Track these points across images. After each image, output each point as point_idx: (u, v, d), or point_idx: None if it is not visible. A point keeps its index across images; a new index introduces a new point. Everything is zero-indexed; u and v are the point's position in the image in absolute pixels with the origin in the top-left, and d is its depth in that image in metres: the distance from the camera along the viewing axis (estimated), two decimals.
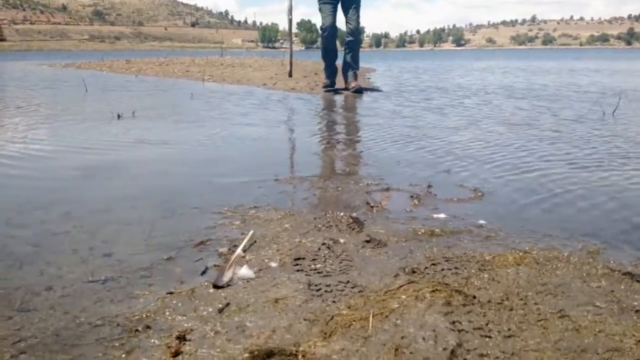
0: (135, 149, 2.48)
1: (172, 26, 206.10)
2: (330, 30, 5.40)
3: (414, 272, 1.04)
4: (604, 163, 2.12)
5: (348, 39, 5.51)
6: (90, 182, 1.85)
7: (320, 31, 5.51)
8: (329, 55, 5.50)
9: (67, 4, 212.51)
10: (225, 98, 4.88)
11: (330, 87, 5.40)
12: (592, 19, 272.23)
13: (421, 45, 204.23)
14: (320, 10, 5.47)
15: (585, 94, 5.21)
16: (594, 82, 6.93)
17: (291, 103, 4.58)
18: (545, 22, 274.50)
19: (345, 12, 5.52)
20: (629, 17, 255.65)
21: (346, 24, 5.55)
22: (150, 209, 1.54)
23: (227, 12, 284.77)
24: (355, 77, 5.56)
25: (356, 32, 5.51)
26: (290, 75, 5.32)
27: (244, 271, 1.04)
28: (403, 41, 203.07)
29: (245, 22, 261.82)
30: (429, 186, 1.74)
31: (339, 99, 4.99)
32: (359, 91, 5.36)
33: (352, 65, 5.55)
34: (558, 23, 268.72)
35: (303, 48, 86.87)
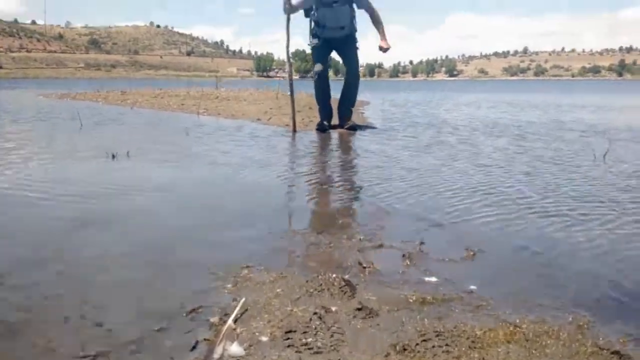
0: (129, 196, 2.48)
1: (167, 55, 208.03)
2: (322, 75, 5.46)
3: (404, 349, 1.04)
4: (599, 218, 2.13)
5: (346, 79, 5.57)
6: (84, 235, 1.85)
7: (312, 75, 5.55)
8: (322, 98, 5.54)
9: (64, 32, 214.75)
10: (220, 135, 4.91)
11: (326, 128, 5.40)
12: (583, 51, 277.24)
13: (414, 75, 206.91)
14: (312, 54, 5.57)
15: (570, 132, 5.30)
16: (579, 119, 7.04)
17: (284, 141, 4.62)
18: (537, 53, 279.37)
19: (342, 55, 5.62)
20: (620, 49, 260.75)
21: (344, 63, 5.64)
22: (142, 267, 1.54)
23: (222, 42, 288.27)
24: (350, 114, 5.64)
25: (355, 74, 5.57)
26: (294, 130, 5.30)
27: (234, 348, 1.04)
28: (396, 71, 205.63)
29: (240, 51, 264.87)
30: (421, 243, 1.75)
31: (332, 137, 5.03)
32: (353, 128, 5.42)
33: (348, 103, 5.62)
34: (550, 54, 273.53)
35: (297, 77, 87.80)
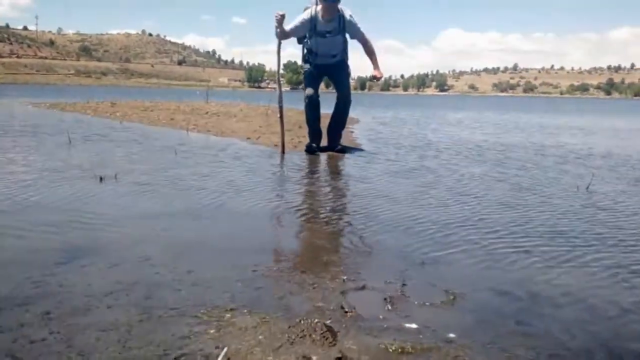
0: (116, 226, 2.49)
1: (158, 64, 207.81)
2: (313, 99, 5.49)
3: None
4: (580, 257, 2.18)
5: (337, 103, 5.62)
6: (70, 271, 1.86)
7: (304, 99, 5.58)
8: (312, 121, 5.58)
9: (55, 39, 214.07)
10: (210, 155, 4.93)
11: (315, 150, 5.43)
12: (572, 69, 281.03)
13: (405, 89, 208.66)
14: (304, 79, 5.63)
15: (552, 157, 5.39)
16: (562, 144, 7.15)
17: (271, 164, 4.65)
18: (526, 70, 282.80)
19: (333, 80, 5.71)
20: (609, 67, 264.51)
21: (335, 88, 5.69)
22: (127, 308, 1.55)
23: (214, 52, 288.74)
24: (339, 137, 5.70)
25: (346, 99, 5.59)
26: (282, 151, 5.33)
27: None
28: (387, 85, 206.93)
29: (232, 61, 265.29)
30: (403, 284, 1.79)
31: (320, 160, 5.07)
32: (342, 151, 5.48)
33: (338, 127, 5.68)
34: (539, 72, 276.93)
35: (288, 89, 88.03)
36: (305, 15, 5.27)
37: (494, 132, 9.22)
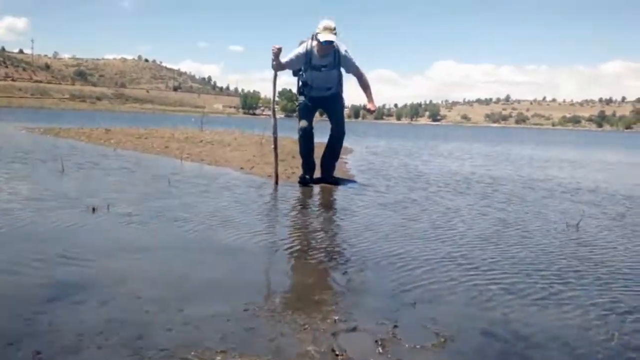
0: (107, 260, 2.49)
1: (154, 89, 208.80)
2: (307, 132, 5.53)
3: None
4: (571, 299, 2.20)
5: (331, 135, 5.66)
6: (60, 307, 1.86)
7: (298, 130, 5.61)
8: (306, 153, 5.61)
9: (51, 63, 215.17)
10: (204, 186, 4.94)
11: (308, 182, 5.48)
12: (564, 101, 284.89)
13: (398, 118, 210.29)
14: (298, 111, 5.70)
15: (541, 191, 5.45)
16: (552, 177, 7.24)
17: (264, 195, 4.67)
18: (519, 101, 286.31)
19: (328, 113, 5.77)
20: (600, 100, 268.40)
21: (330, 120, 5.75)
22: (118, 349, 1.55)
23: (209, 78, 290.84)
24: (333, 169, 5.76)
25: (340, 130, 5.64)
26: (276, 182, 5.37)
27: None
28: (381, 114, 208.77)
29: (228, 88, 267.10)
30: (395, 326, 1.80)
31: (313, 191, 5.10)
32: (336, 182, 5.54)
33: (331, 159, 5.74)
34: (531, 103, 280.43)
35: (283, 116, 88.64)
36: (301, 49, 5.36)
37: (483, 164, 9.32)
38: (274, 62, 5.25)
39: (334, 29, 5.15)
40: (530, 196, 5.24)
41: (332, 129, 5.68)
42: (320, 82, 5.47)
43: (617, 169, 10.07)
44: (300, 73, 5.55)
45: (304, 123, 5.54)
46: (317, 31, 5.19)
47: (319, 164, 5.75)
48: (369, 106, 5.60)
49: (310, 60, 5.36)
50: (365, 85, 5.54)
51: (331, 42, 5.16)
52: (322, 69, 5.39)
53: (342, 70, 5.53)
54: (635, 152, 18.56)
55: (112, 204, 3.79)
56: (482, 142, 22.30)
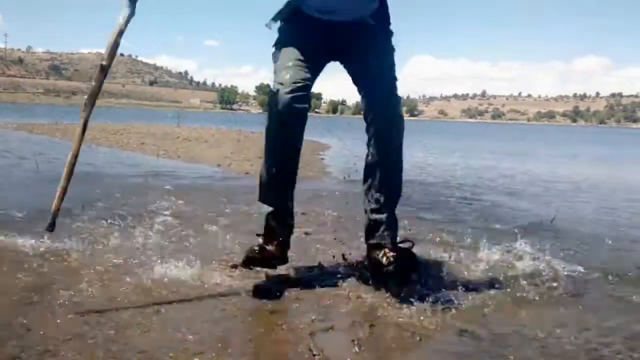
0: (82, 259, 2.46)
1: (130, 84, 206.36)
2: (291, 103, 2.07)
3: None
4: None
5: (373, 127, 2.33)
6: (37, 310, 1.83)
7: (267, 101, 2.22)
8: (282, 160, 2.20)
9: (24, 57, 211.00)
10: (180, 187, 4.90)
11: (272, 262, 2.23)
12: (539, 96, 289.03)
13: None
14: (274, 60, 2.24)
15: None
16: (526, 171, 7.35)
17: (241, 200, 4.64)
18: (494, 97, 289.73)
19: (356, 68, 2.38)
20: (574, 95, 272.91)
21: (363, 99, 2.39)
22: (95, 351, 1.54)
23: (186, 73, 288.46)
24: (396, 225, 2.30)
25: (390, 113, 2.34)
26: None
27: None
28: (359, 109, 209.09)
29: (205, 83, 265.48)
30: (371, 325, 1.81)
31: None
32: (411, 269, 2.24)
33: (389, 188, 2.31)
34: (507, 99, 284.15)
35: (261, 111, 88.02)
36: None
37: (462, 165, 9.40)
38: None
39: None
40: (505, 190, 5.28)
41: (367, 115, 2.36)
42: None
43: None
44: None
45: (285, 76, 2.11)
46: None
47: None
48: None
49: None
50: None
51: None
52: None
53: None
54: None
55: (88, 205, 3.72)
56: (457, 138, 22.44)
